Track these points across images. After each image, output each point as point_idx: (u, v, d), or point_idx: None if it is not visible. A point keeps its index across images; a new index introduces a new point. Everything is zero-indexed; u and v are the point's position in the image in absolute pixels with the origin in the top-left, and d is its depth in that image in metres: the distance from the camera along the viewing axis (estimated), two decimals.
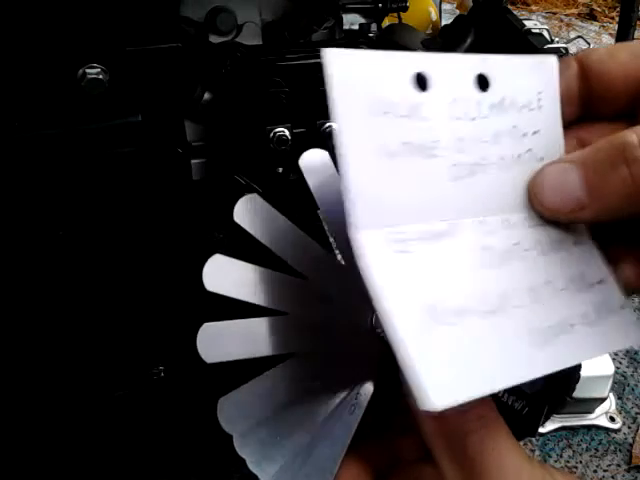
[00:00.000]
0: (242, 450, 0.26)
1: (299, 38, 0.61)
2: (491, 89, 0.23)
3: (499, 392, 0.25)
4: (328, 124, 0.62)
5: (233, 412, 0.26)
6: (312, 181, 0.29)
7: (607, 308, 0.24)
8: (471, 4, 0.70)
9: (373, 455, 0.27)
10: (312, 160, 0.29)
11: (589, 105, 0.26)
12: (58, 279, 0.50)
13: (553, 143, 0.25)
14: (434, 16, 1.18)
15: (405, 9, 0.67)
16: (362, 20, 0.66)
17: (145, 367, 0.61)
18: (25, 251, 0.48)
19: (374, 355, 0.27)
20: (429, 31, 1.05)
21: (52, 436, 0.68)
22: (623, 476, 0.94)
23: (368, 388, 0.27)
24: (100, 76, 0.43)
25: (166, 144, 0.57)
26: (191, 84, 0.58)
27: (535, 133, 0.24)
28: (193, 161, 0.63)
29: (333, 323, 0.27)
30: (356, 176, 0.20)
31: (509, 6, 0.69)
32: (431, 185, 0.22)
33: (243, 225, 0.28)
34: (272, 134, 0.61)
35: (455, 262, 0.22)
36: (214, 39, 0.60)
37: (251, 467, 0.26)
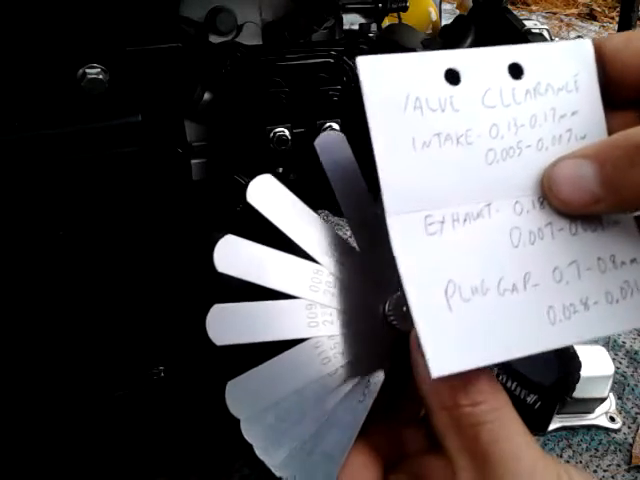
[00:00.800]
0: (249, 435, 0.25)
1: (299, 38, 0.61)
2: (525, 76, 0.24)
3: (512, 385, 0.25)
4: (328, 124, 0.62)
5: (241, 396, 0.26)
6: (327, 162, 0.28)
7: (632, 288, 0.25)
8: (471, 4, 0.70)
9: (381, 444, 0.27)
10: (328, 141, 0.28)
11: (603, 93, 0.26)
12: (58, 279, 0.50)
13: (594, 122, 0.25)
14: (434, 16, 1.18)
15: (405, 9, 0.67)
16: (362, 20, 0.67)
17: (145, 367, 0.61)
18: (25, 251, 0.48)
19: (386, 344, 0.27)
20: (429, 31, 1.05)
21: (52, 436, 0.68)
22: (623, 476, 0.94)
23: (379, 377, 0.27)
24: (100, 76, 0.43)
25: (166, 144, 0.57)
26: (191, 84, 0.58)
27: (574, 114, 0.25)
28: (193, 161, 0.63)
29: (345, 309, 0.27)
30: (389, 166, 0.22)
31: (509, 6, 0.69)
32: (465, 170, 0.23)
33: (256, 206, 0.27)
34: (272, 134, 0.61)
35: (483, 243, 0.23)
36: (214, 39, 0.60)
37: (258, 453, 0.25)
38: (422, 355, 0.22)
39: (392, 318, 0.27)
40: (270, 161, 0.63)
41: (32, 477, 0.69)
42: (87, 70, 0.43)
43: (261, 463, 0.25)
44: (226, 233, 0.27)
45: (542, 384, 0.29)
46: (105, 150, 0.46)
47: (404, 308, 0.25)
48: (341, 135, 0.28)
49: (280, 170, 0.64)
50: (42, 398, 0.61)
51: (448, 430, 0.23)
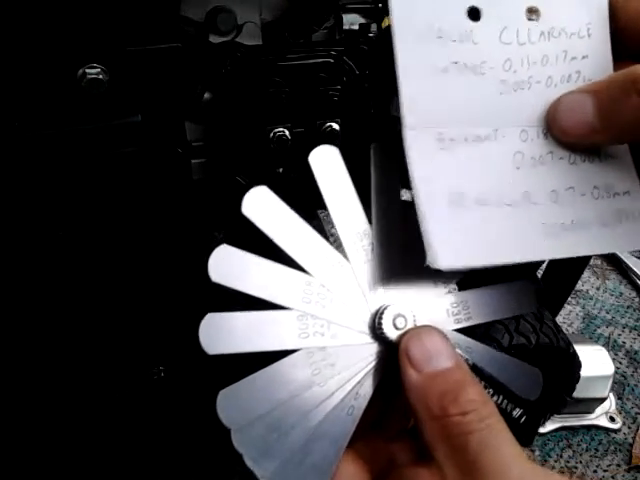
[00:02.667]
0: (239, 445, 0.25)
1: (299, 38, 0.61)
2: (541, 19, 0.26)
3: (498, 399, 0.26)
4: (328, 124, 0.62)
5: (232, 406, 0.26)
6: (321, 179, 0.30)
7: (627, 215, 0.27)
8: None
9: (370, 456, 0.27)
10: (322, 157, 0.30)
11: (613, 42, 0.27)
12: (58, 279, 0.50)
13: (602, 67, 0.27)
14: None
15: None
16: (362, 20, 0.66)
17: (145, 367, 0.61)
18: (24, 252, 0.48)
19: (375, 355, 0.27)
20: None
21: (51, 436, 0.68)
22: (623, 476, 0.94)
23: (367, 389, 0.27)
24: (100, 76, 0.43)
25: (166, 144, 0.57)
26: (191, 84, 0.58)
27: (584, 58, 0.27)
28: (193, 161, 0.63)
29: (336, 321, 0.28)
30: (409, 85, 0.24)
31: None
32: (478, 97, 0.26)
33: (251, 218, 0.28)
34: (272, 134, 0.61)
35: (489, 162, 0.25)
36: (214, 39, 0.60)
37: (248, 463, 0.25)
38: (409, 363, 0.24)
39: (381, 330, 0.27)
40: (270, 161, 0.63)
41: (30, 477, 0.69)
42: (87, 70, 0.43)
43: (252, 473, 0.25)
44: (224, 234, 0.27)
45: (528, 399, 0.30)
46: (105, 150, 0.46)
47: (380, 332, 0.27)
48: (335, 150, 0.30)
49: (280, 170, 0.64)
50: (41, 398, 0.61)
51: (437, 440, 0.23)
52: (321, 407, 0.26)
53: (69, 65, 0.43)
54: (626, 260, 1.31)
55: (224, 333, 0.26)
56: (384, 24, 0.70)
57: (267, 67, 0.60)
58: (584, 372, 0.66)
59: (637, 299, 1.25)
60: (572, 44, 0.27)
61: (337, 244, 0.29)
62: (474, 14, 0.26)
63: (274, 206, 0.29)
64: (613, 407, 1.02)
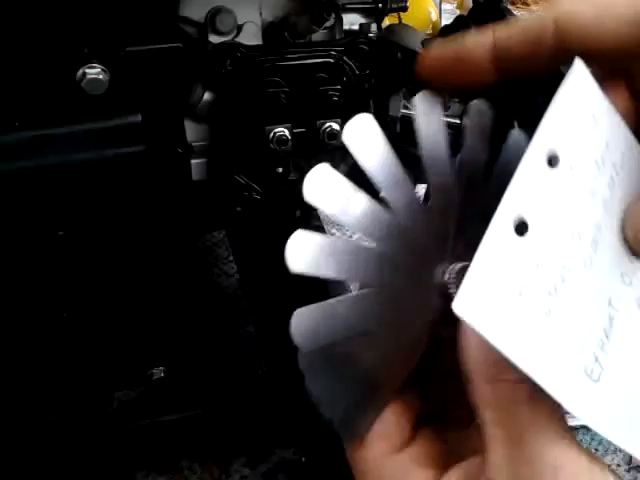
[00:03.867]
0: (303, 365, 0.26)
1: (299, 38, 0.61)
2: (561, 163, 0.24)
3: None
4: (328, 124, 0.62)
5: (307, 325, 0.26)
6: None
7: None
8: (471, 4, 0.70)
9: (416, 403, 0.27)
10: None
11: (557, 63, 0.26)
12: (58, 279, 0.50)
13: (626, 145, 0.26)
14: (434, 16, 1.17)
15: (405, 9, 0.67)
16: (362, 20, 0.66)
17: (145, 367, 0.61)
18: (25, 252, 0.48)
19: (437, 312, 0.27)
20: (429, 31, 1.05)
21: (50, 434, 0.68)
22: (623, 476, 0.94)
23: (424, 339, 0.27)
24: (100, 76, 0.43)
25: (166, 144, 0.57)
26: (191, 84, 0.58)
27: (607, 146, 0.26)
28: (193, 161, 0.63)
29: (404, 273, 0.27)
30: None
31: (509, 6, 0.69)
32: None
33: (352, 148, 0.27)
34: (272, 134, 0.61)
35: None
36: (214, 39, 0.60)
37: (308, 384, 0.26)
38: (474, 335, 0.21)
39: (450, 287, 0.26)
40: (270, 161, 0.63)
41: (28, 475, 0.69)
42: (87, 70, 0.43)
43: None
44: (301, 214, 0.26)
45: None
46: (105, 150, 0.46)
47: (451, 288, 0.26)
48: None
49: (280, 170, 0.64)
50: (41, 397, 0.61)
51: (488, 404, 0.22)
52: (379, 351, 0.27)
53: (69, 65, 0.43)
54: None
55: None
56: (384, 24, 0.70)
57: (267, 67, 0.60)
58: None
59: None
60: (595, 151, 0.25)
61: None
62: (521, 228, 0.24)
63: (374, 136, 0.28)
64: None
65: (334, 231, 1.14)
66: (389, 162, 0.28)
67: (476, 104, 0.30)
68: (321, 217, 0.90)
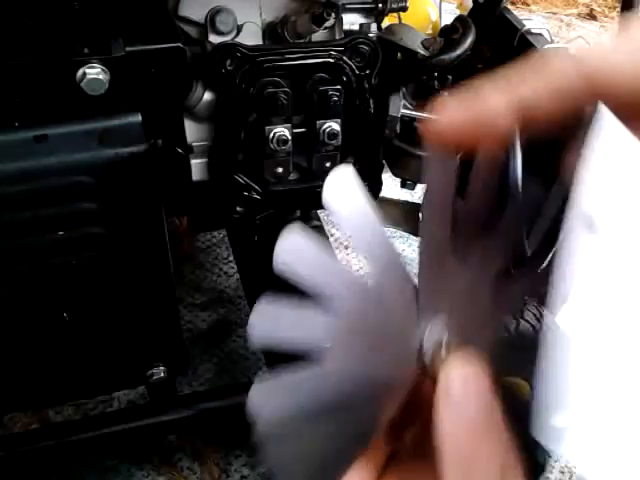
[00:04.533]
0: (259, 435, 0.25)
1: (299, 38, 0.61)
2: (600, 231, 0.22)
3: None
4: (328, 124, 0.62)
5: (262, 401, 0.25)
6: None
7: None
8: (471, 4, 0.70)
9: (375, 456, 0.27)
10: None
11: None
12: (58, 279, 0.50)
13: None
14: (434, 16, 1.17)
15: (405, 9, 0.67)
16: (362, 20, 0.66)
17: (145, 367, 0.61)
18: (25, 250, 0.48)
19: (411, 376, 0.26)
20: (429, 31, 1.05)
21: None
22: None
23: (393, 405, 0.26)
24: (100, 76, 0.43)
25: (166, 144, 0.57)
26: (191, 84, 0.58)
27: None
28: (193, 161, 0.63)
29: (384, 337, 0.26)
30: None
31: (509, 6, 0.69)
32: None
33: (331, 207, 0.25)
34: (272, 134, 0.61)
35: None
36: (214, 39, 0.60)
37: (264, 451, 0.25)
38: (447, 402, 0.22)
39: (422, 352, 0.25)
40: (270, 161, 0.63)
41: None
42: (87, 70, 0.43)
43: (261, 464, 0.25)
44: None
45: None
46: (105, 150, 0.46)
47: (442, 350, 0.24)
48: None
49: (279, 170, 0.64)
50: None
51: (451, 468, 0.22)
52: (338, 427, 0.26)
53: (69, 65, 0.43)
54: None
55: (271, 323, 0.25)
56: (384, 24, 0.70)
57: (267, 67, 0.60)
58: None
59: None
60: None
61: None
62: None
63: (354, 198, 0.26)
64: None
65: (334, 231, 1.14)
66: (368, 222, 0.26)
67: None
68: (321, 217, 0.90)
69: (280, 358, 0.25)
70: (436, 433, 0.23)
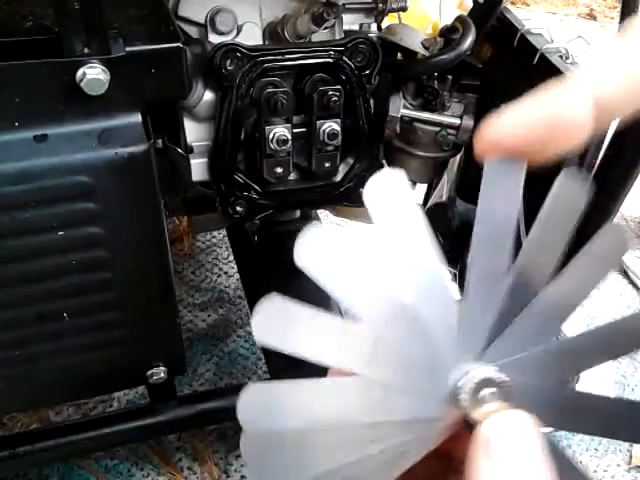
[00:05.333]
0: (246, 452, 0.22)
1: (299, 38, 0.61)
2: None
3: None
4: (328, 124, 0.62)
5: (256, 406, 0.22)
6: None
7: None
8: (471, 4, 0.70)
9: None
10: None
11: None
12: (58, 279, 0.50)
13: None
14: (434, 16, 1.17)
15: (405, 9, 0.67)
16: (362, 20, 0.66)
17: (145, 367, 0.61)
18: (26, 248, 0.48)
19: (442, 420, 0.23)
20: (429, 31, 1.05)
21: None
22: (623, 476, 0.94)
23: (417, 452, 0.23)
24: (100, 76, 0.43)
25: (166, 144, 0.57)
26: (191, 84, 0.58)
27: None
28: (193, 161, 0.63)
29: (417, 361, 0.22)
30: None
31: (509, 6, 0.69)
32: None
33: (374, 214, 0.22)
34: (272, 134, 0.61)
35: None
36: (214, 39, 0.60)
37: (250, 475, 0.23)
38: (487, 456, 0.19)
39: (462, 398, 0.21)
40: (270, 161, 0.63)
41: None
42: (87, 70, 0.43)
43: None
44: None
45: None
46: (105, 150, 0.46)
47: (484, 392, 0.21)
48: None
49: (280, 170, 0.64)
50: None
51: None
52: (354, 449, 0.22)
53: (69, 65, 0.43)
54: (626, 260, 1.31)
55: (281, 323, 0.22)
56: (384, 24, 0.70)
57: (267, 67, 0.60)
58: (584, 372, 0.66)
59: (637, 299, 1.25)
60: None
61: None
62: None
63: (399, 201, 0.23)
64: None
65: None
66: (413, 231, 0.23)
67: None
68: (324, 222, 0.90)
69: (282, 359, 0.23)
70: None
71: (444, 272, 0.23)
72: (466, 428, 0.21)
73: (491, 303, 0.23)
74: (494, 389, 0.21)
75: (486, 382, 0.21)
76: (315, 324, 0.22)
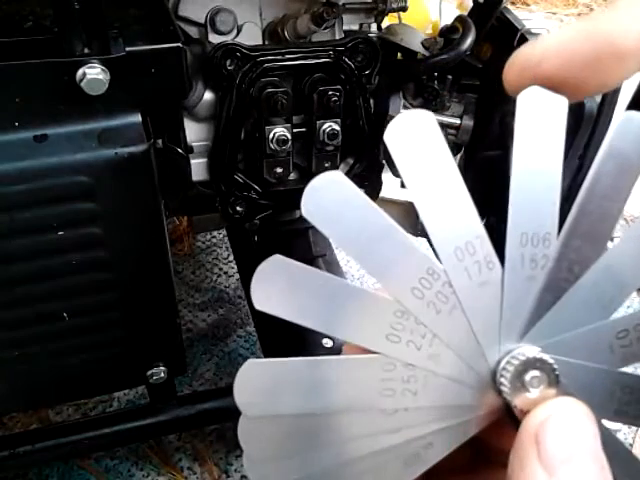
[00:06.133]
0: (244, 438, 0.20)
1: (299, 38, 0.61)
2: None
3: None
4: (328, 124, 0.62)
5: (258, 385, 0.19)
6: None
7: None
8: (471, 4, 0.70)
9: None
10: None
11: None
12: (58, 279, 0.50)
13: None
14: (434, 16, 1.17)
15: (405, 9, 0.67)
16: (362, 20, 0.66)
17: (145, 367, 0.60)
18: (27, 249, 0.48)
19: (478, 407, 0.20)
20: (429, 31, 1.05)
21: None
22: None
23: (447, 444, 0.20)
24: (100, 76, 0.43)
25: (166, 144, 0.57)
26: (191, 84, 0.58)
27: None
28: (193, 161, 0.63)
29: (444, 341, 0.20)
30: None
31: (509, 6, 0.69)
32: None
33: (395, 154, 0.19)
34: (272, 134, 0.61)
35: None
36: (214, 39, 0.60)
37: (245, 462, 0.20)
38: (536, 454, 0.16)
39: (502, 381, 0.19)
40: (270, 161, 0.63)
41: None
42: (87, 70, 0.43)
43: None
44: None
45: None
46: (104, 150, 0.46)
47: (528, 375, 0.18)
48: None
49: (280, 170, 0.64)
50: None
51: None
52: (371, 440, 0.19)
53: (69, 65, 0.43)
54: None
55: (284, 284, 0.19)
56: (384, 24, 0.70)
57: (267, 67, 0.60)
58: None
59: (637, 299, 1.25)
60: None
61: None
62: None
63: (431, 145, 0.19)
64: None
65: None
66: (446, 177, 0.19)
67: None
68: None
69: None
70: None
71: (480, 229, 0.19)
72: (506, 417, 0.19)
73: (535, 274, 0.20)
74: (539, 372, 0.18)
75: (530, 363, 0.19)
76: (326, 290, 0.19)
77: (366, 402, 0.19)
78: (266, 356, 0.91)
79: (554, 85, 0.19)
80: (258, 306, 0.18)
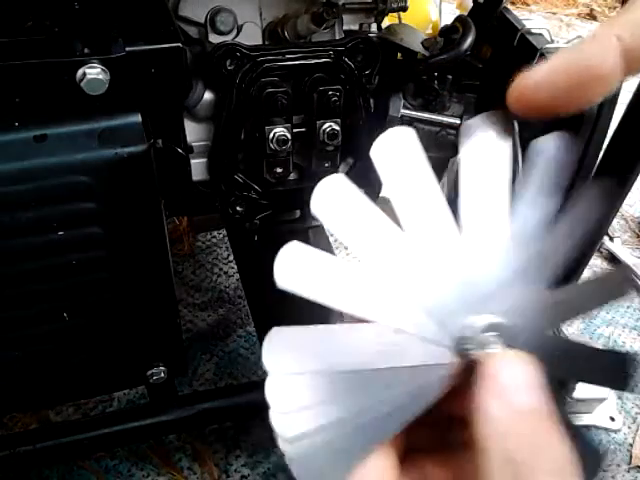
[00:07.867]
0: (271, 395, 0.23)
1: (299, 38, 0.61)
2: None
3: None
4: (328, 124, 0.62)
5: (280, 348, 0.23)
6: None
7: None
8: (471, 4, 0.70)
9: (398, 440, 0.25)
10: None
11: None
12: (58, 279, 0.50)
13: None
14: (434, 16, 1.17)
15: (405, 9, 0.67)
16: (362, 20, 0.66)
17: (145, 367, 0.61)
18: (28, 250, 0.48)
19: (449, 365, 0.24)
20: (429, 31, 1.05)
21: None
22: (623, 476, 0.94)
23: (428, 398, 0.23)
24: (100, 76, 0.43)
25: (166, 144, 0.57)
26: (191, 84, 0.58)
27: None
28: (193, 161, 0.63)
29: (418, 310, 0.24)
30: None
31: (509, 6, 0.69)
32: None
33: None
34: (272, 134, 0.61)
35: None
36: (214, 39, 0.60)
37: (272, 418, 0.23)
38: (494, 390, 0.20)
39: (467, 341, 0.23)
40: (270, 161, 0.63)
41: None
42: (87, 70, 0.43)
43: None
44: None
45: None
46: (104, 150, 0.46)
47: (488, 335, 0.22)
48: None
49: (280, 170, 0.64)
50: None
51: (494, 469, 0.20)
52: (370, 394, 0.23)
53: (69, 65, 0.43)
54: (626, 260, 1.31)
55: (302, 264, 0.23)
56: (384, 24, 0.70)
57: (267, 67, 0.60)
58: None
59: (637, 299, 1.25)
60: None
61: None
62: None
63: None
64: (613, 407, 1.02)
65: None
66: (420, 181, 0.24)
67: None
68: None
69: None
70: (479, 423, 0.21)
71: (452, 227, 0.24)
72: (472, 374, 0.22)
73: (496, 253, 0.24)
74: (497, 333, 0.22)
75: (490, 327, 0.23)
76: (333, 270, 0.23)
77: (366, 362, 0.23)
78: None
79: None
80: (281, 284, 0.22)
